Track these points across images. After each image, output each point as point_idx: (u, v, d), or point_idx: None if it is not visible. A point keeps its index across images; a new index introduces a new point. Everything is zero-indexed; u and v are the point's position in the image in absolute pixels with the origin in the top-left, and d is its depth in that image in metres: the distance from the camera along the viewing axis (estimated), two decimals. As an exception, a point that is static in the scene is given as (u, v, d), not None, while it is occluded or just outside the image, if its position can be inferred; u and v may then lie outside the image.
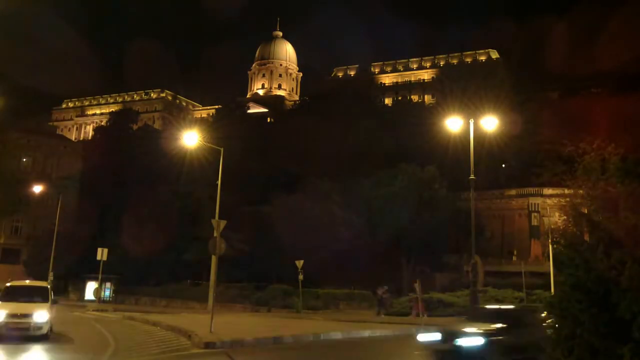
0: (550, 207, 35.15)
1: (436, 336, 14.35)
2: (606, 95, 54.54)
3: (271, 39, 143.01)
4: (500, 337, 13.67)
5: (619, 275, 6.19)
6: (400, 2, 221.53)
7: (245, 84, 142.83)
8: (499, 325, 14.18)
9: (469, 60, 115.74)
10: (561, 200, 39.06)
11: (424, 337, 14.84)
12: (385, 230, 44.21)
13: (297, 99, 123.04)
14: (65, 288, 56.44)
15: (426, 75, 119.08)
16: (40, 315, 17.16)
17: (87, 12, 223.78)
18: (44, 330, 17.26)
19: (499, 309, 18.17)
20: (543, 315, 16.47)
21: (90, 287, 47.70)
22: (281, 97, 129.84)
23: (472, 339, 13.54)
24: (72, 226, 56.39)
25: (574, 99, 60.12)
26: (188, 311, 37.81)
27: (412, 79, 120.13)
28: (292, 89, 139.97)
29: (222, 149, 33.27)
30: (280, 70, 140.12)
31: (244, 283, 44.75)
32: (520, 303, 30.44)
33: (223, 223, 22.30)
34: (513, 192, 60.03)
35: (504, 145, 50.05)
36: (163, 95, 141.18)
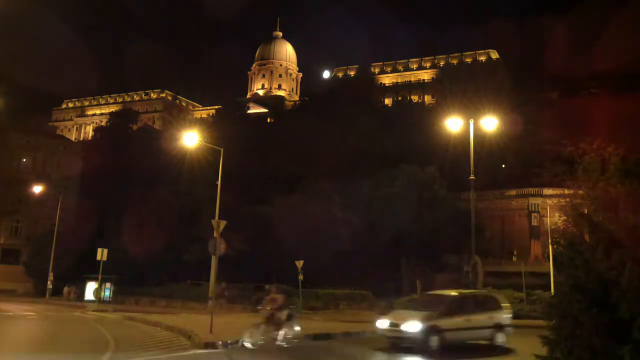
0: (550, 207, 35.11)
1: (387, 323, 17.10)
2: (606, 96, 54.57)
3: (271, 39, 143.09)
4: (435, 322, 16.13)
5: (619, 276, 6.20)
6: (400, 2, 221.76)
7: (245, 84, 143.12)
8: (436, 311, 16.61)
9: (469, 60, 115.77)
10: (561, 200, 39.11)
11: (380, 324, 17.46)
12: (385, 230, 44.19)
13: (297, 99, 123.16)
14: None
15: (426, 75, 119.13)
16: None
17: (86, 12, 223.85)
18: None
19: (440, 295, 19.35)
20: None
21: (90, 287, 47.69)
22: (281, 97, 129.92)
23: (411, 323, 16.13)
24: (72, 226, 56.33)
25: (574, 99, 60.14)
26: (188, 311, 37.73)
27: (412, 79, 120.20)
28: (292, 89, 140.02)
29: (222, 149, 33.23)
30: (280, 70, 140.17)
31: (244, 283, 44.70)
32: (521, 303, 30.49)
33: (223, 223, 22.30)
34: (513, 192, 59.98)
35: (504, 145, 50.09)
36: (163, 95, 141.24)
